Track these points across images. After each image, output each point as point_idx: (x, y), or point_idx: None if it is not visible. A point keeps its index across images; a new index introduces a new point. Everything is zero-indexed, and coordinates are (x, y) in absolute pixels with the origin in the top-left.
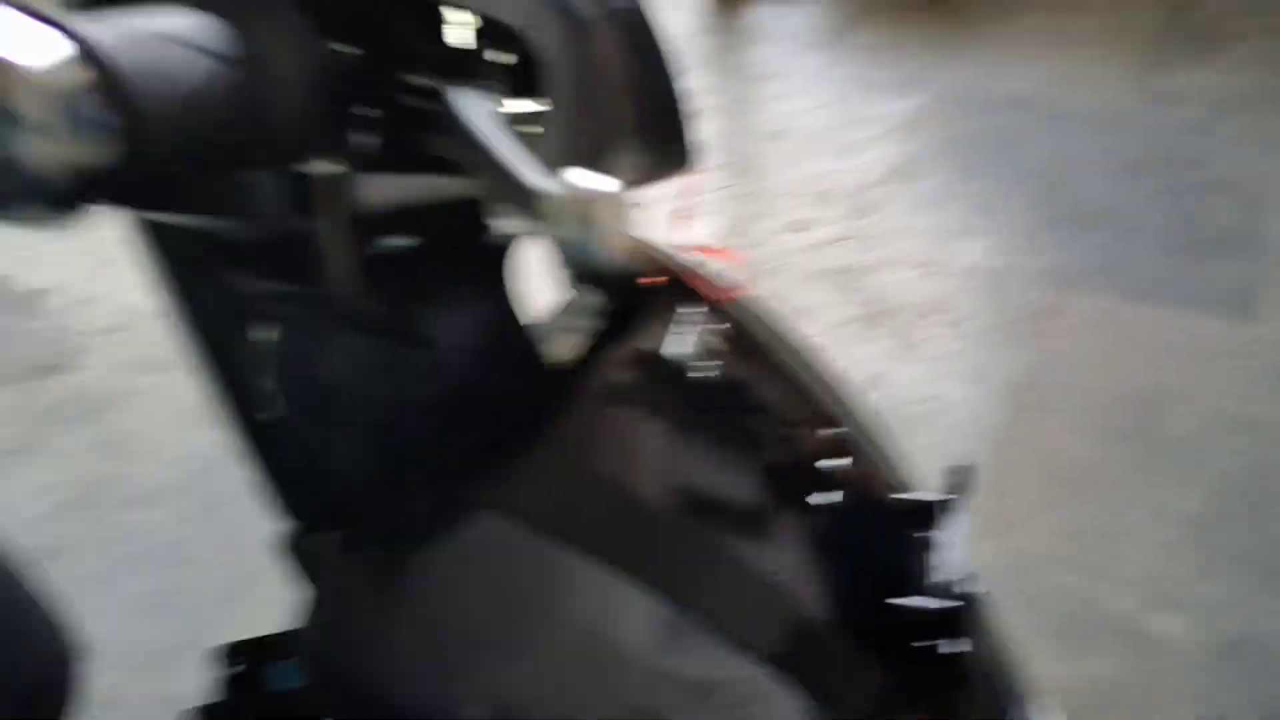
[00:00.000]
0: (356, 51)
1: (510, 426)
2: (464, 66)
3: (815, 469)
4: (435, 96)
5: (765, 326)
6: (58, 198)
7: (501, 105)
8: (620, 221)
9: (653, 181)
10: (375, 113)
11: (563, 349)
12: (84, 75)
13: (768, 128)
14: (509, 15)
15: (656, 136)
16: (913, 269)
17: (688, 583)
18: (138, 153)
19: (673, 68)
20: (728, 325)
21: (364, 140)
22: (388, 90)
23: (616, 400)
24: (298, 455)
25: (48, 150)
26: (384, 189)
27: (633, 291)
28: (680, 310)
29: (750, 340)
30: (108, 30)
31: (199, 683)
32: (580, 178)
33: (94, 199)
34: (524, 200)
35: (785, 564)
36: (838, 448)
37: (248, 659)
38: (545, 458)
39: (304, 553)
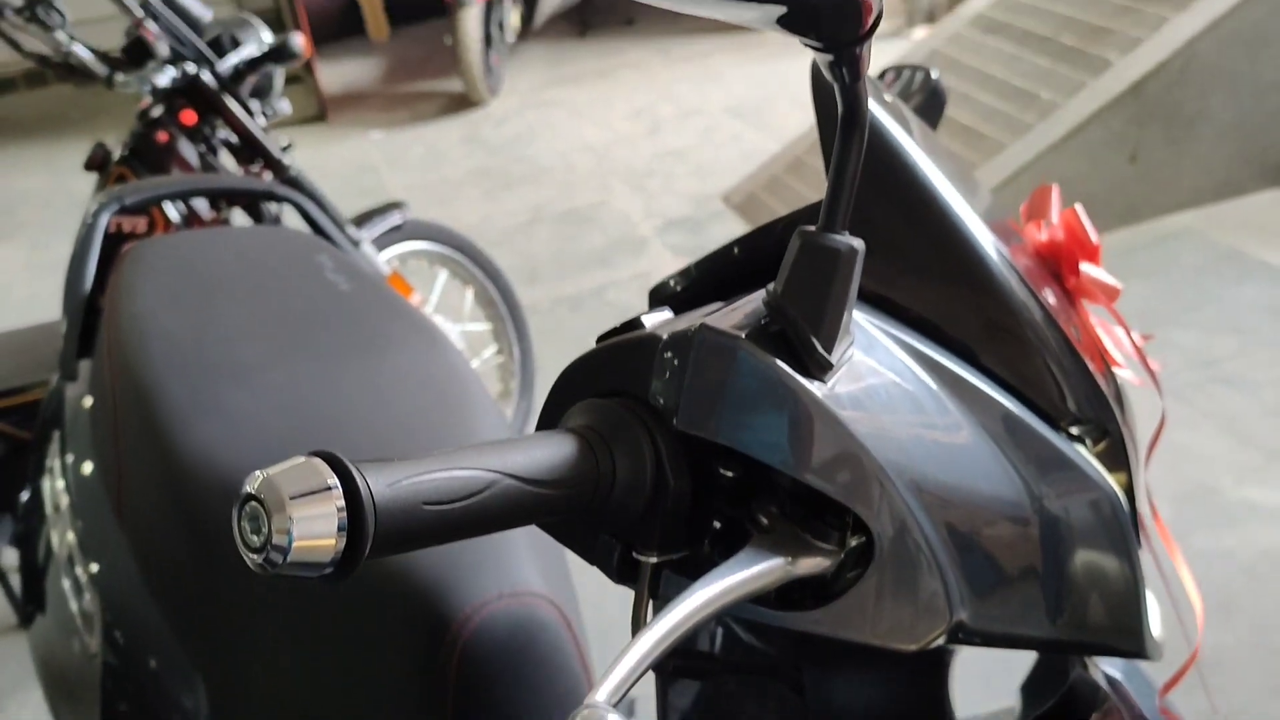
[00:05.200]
0: (728, 474)
1: None
2: (802, 513)
3: None
4: (740, 537)
5: None
6: (312, 571)
7: (793, 568)
8: None
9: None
10: (707, 529)
11: None
12: (339, 510)
13: None
14: (852, 500)
15: (1104, 630)
16: None
17: None
18: (357, 558)
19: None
20: None
21: (682, 545)
22: (722, 516)
23: None
24: None
25: (300, 547)
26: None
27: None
28: None
29: None
30: (384, 482)
31: None
32: None
33: (336, 574)
34: None
35: None
36: None
37: None
38: None
39: None
